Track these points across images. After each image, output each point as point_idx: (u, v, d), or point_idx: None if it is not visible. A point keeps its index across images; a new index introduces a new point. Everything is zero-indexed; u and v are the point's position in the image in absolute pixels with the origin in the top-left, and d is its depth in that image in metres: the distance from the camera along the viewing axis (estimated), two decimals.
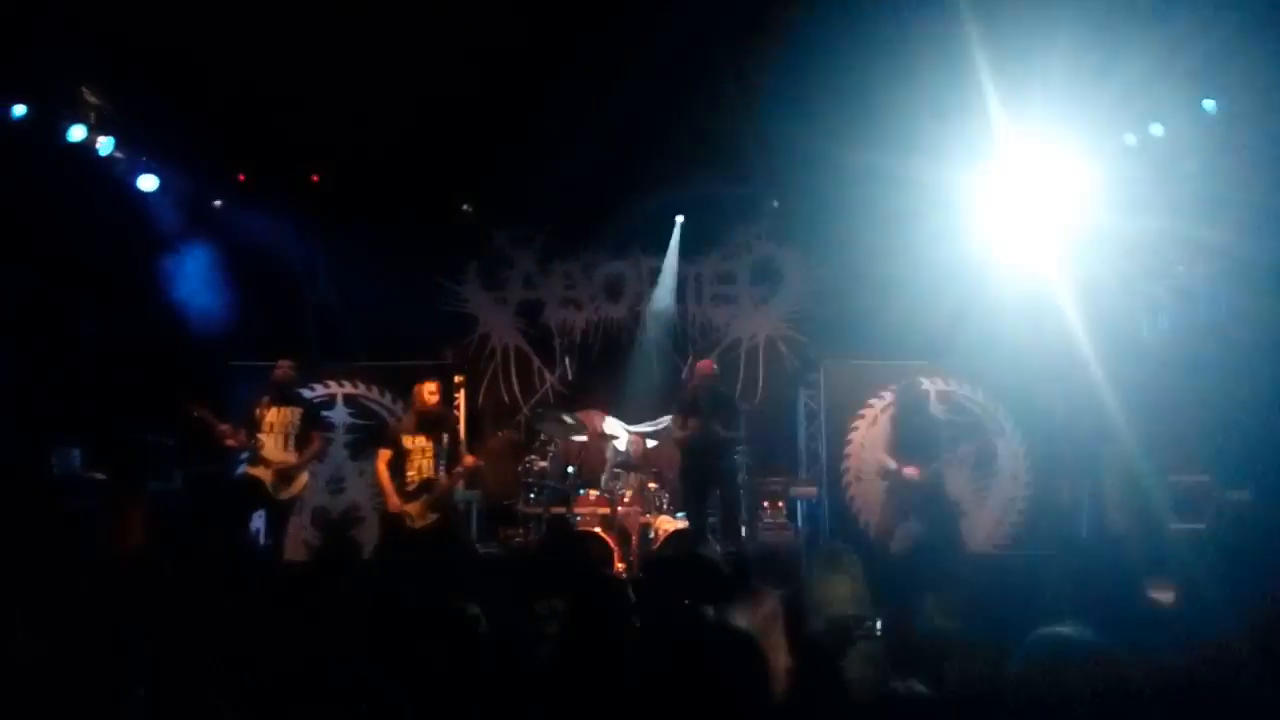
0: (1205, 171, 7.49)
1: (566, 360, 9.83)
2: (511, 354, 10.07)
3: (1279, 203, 7.09)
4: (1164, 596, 4.11)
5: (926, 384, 8.77)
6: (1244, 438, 7.39)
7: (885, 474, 7.50)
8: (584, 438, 9.12)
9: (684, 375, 9.20)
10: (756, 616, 3.64)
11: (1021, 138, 8.22)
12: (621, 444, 8.86)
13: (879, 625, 3.45)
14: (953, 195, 8.88)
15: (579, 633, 3.10)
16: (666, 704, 1.86)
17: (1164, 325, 8.31)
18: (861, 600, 3.46)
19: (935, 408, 8.21)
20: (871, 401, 9.01)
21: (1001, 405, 8.91)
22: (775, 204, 9.89)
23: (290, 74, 7.78)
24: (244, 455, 7.06)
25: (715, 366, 8.22)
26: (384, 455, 6.70)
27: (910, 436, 7.32)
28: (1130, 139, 8.14)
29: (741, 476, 8.63)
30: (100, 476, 7.35)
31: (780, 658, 3.14)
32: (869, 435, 8.91)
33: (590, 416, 9.39)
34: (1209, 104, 7.58)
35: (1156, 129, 7.95)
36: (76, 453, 7.40)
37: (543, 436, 8.85)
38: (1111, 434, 8.25)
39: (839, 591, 3.40)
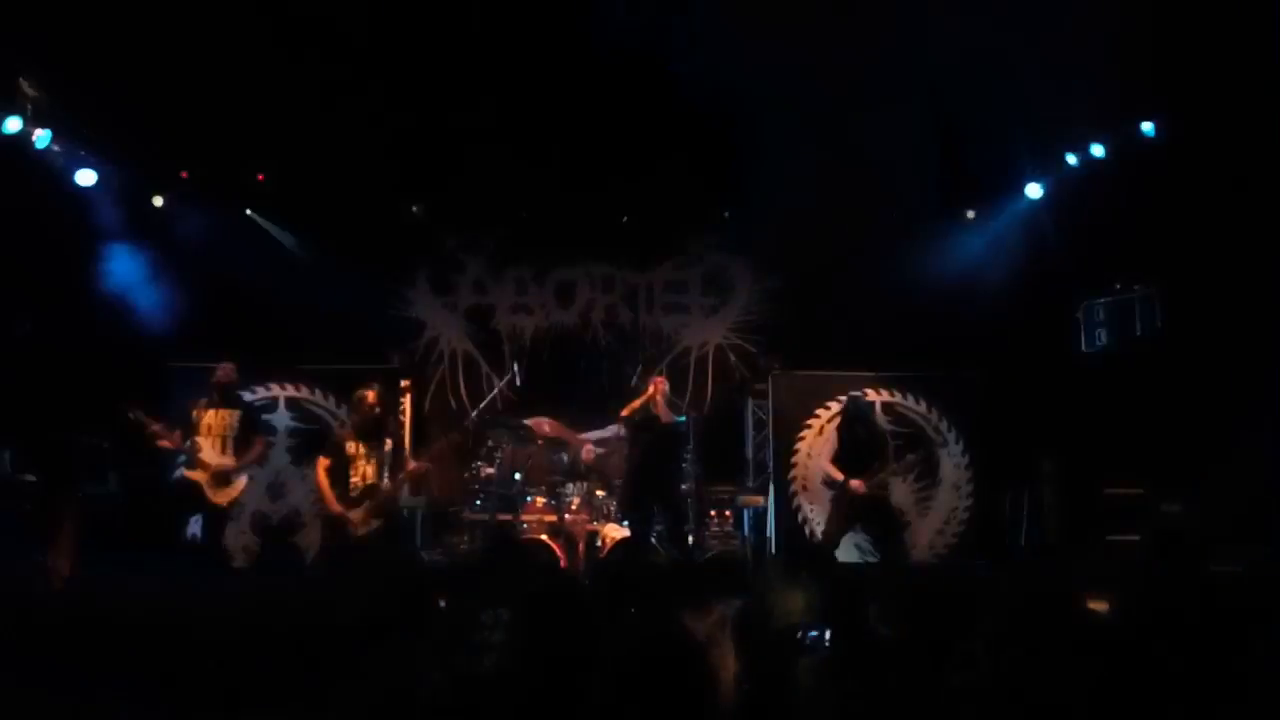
0: (1142, 191, 7.69)
1: (516, 366, 9.76)
2: (460, 359, 9.98)
3: (1211, 221, 7.30)
4: (1100, 607, 4.19)
5: (872, 395, 8.92)
6: (1177, 451, 7.59)
7: (831, 484, 7.60)
8: (532, 444, 9.07)
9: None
10: (705, 625, 3.64)
11: (966, 154, 8.40)
12: (581, 454, 8.82)
13: (827, 635, 3.48)
14: (900, 209, 9.03)
15: (530, 639, 3.07)
16: (614, 711, 1.86)
17: (1101, 340, 8.51)
18: (815, 612, 3.49)
19: (880, 420, 8.31)
20: (819, 411, 9.10)
21: (945, 417, 9.06)
22: (726, 214, 9.95)
23: (237, 69, 7.66)
24: (181, 458, 6.89)
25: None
26: (323, 463, 6.58)
27: (855, 448, 7.43)
28: (1072, 158, 8.35)
29: (689, 485, 8.65)
30: (31, 479, 7.13)
31: (729, 666, 3.14)
32: (816, 445, 9.00)
33: (539, 423, 9.34)
34: (1147, 126, 7.80)
35: (1097, 149, 8.16)
36: (7, 454, 7.17)
37: (490, 443, 8.78)
38: (1051, 446, 8.44)
39: (795, 604, 3.42)
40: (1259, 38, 6.47)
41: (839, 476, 7.39)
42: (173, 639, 3.26)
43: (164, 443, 6.74)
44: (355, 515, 6.47)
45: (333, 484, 6.50)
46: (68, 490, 7.27)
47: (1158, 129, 7.75)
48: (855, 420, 7.65)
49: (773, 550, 8.95)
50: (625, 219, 9.85)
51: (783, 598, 3.42)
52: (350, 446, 6.57)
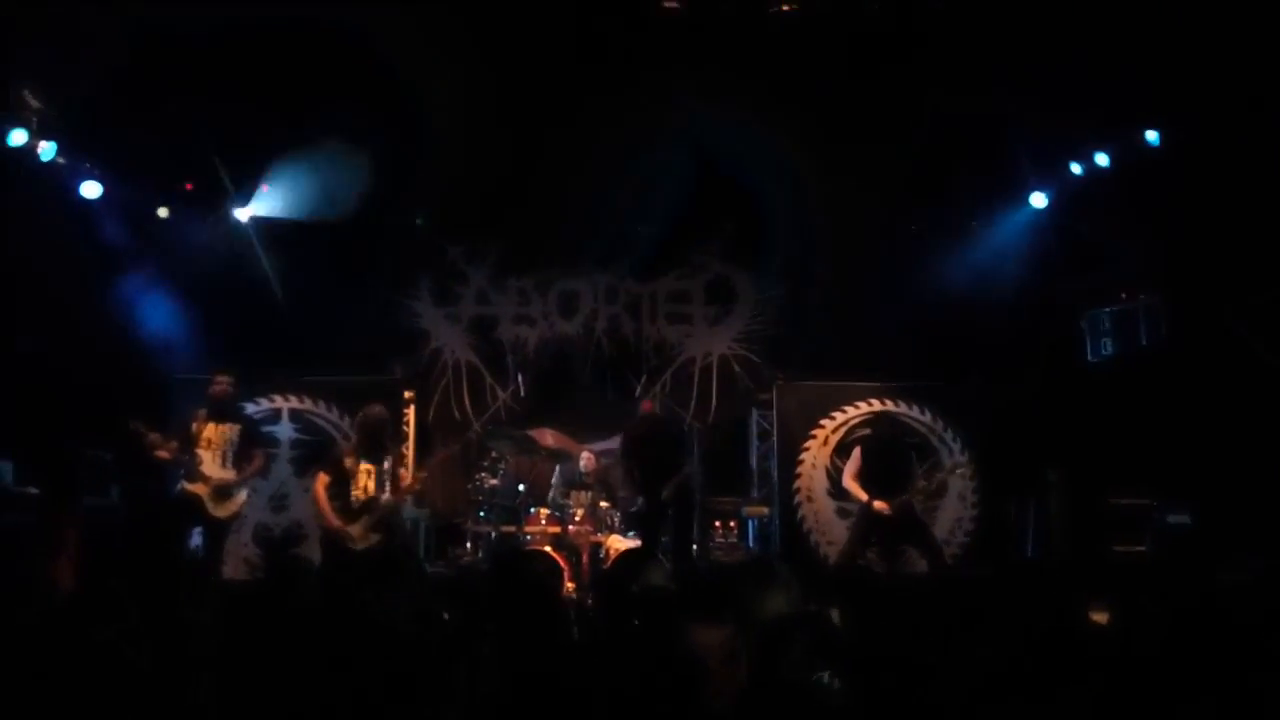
0: (1147, 200, 7.67)
1: (519, 377, 9.76)
2: (463, 370, 9.97)
3: (1216, 230, 7.28)
4: (1104, 618, 4.15)
5: (876, 405, 8.91)
6: (1183, 461, 7.55)
7: (856, 506, 7.48)
8: (536, 456, 9.05)
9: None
10: (706, 636, 3.62)
11: (968, 165, 8.39)
12: (579, 462, 8.78)
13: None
14: (903, 219, 9.03)
15: (512, 653, 3.05)
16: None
17: (1107, 350, 8.47)
18: (797, 607, 3.48)
19: (905, 443, 8.13)
20: (823, 422, 9.07)
21: (950, 426, 9.02)
22: (729, 225, 9.94)
23: (239, 81, 7.68)
24: (181, 471, 6.84)
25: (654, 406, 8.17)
26: (322, 478, 6.53)
27: (882, 470, 7.31)
28: (1076, 168, 8.33)
29: (694, 496, 8.63)
30: (34, 491, 7.11)
31: (732, 677, 3.12)
32: (821, 455, 8.97)
33: (542, 434, 9.32)
34: (1151, 134, 7.78)
35: (1101, 158, 8.14)
36: (9, 467, 7.15)
37: (494, 454, 8.75)
38: (1056, 456, 8.40)
39: (776, 605, 3.40)
40: (1262, 44, 6.45)
41: (863, 497, 7.24)
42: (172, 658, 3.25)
43: (161, 453, 6.69)
44: (354, 530, 6.44)
45: (332, 499, 6.46)
46: (70, 502, 7.25)
47: (1162, 137, 7.73)
48: (884, 442, 7.54)
49: (756, 557, 8.89)
50: (638, 230, 9.83)
51: (770, 603, 3.40)
52: (349, 461, 6.55)
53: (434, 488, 8.75)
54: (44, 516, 6.93)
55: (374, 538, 6.46)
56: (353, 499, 6.46)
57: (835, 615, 3.49)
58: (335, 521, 6.41)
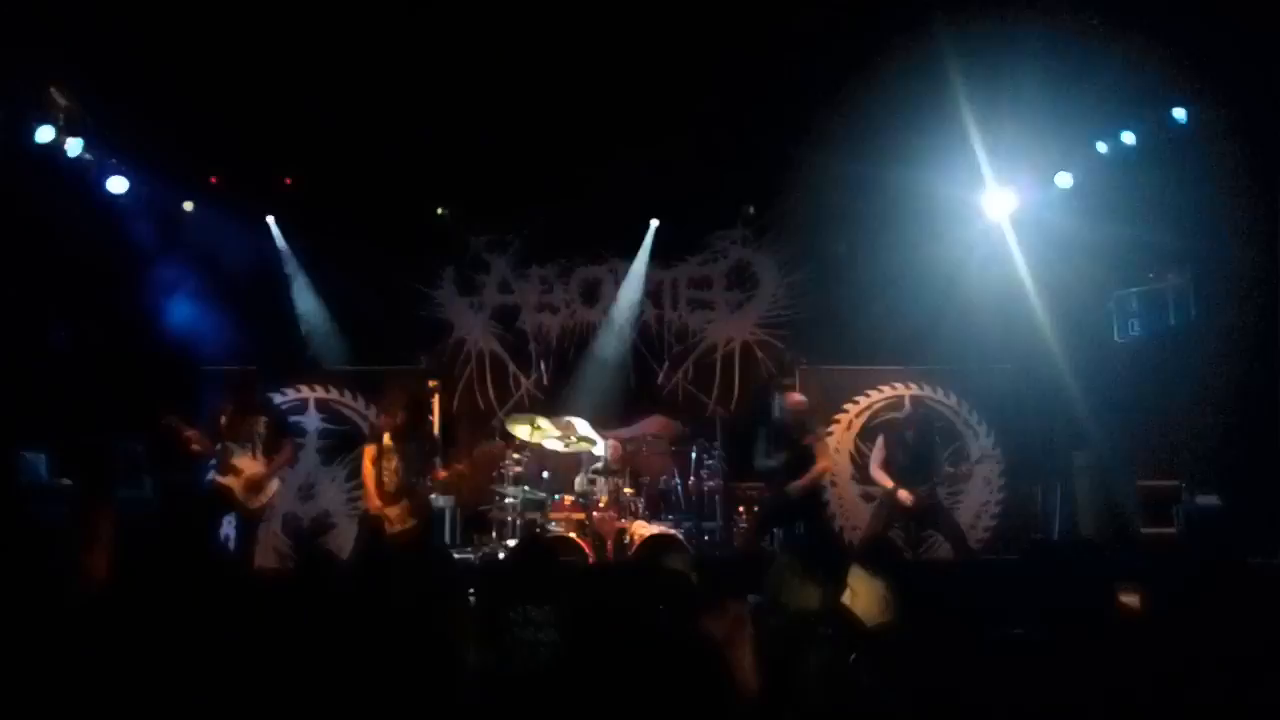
0: (1175, 179, 7.58)
1: (542, 365, 9.80)
2: (487, 359, 10.02)
3: (1246, 210, 7.18)
4: (1132, 601, 4.14)
5: (900, 389, 8.87)
6: (1212, 443, 7.48)
7: (881, 493, 7.47)
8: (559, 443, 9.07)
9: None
10: (723, 623, 3.63)
11: (994, 144, 8.30)
12: (598, 449, 8.79)
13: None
14: (927, 201, 8.96)
15: (578, 635, 3.07)
16: (626, 709, 1.86)
17: (1134, 331, 8.39)
18: (829, 606, 3.48)
19: (933, 429, 8.07)
20: (846, 406, 9.05)
21: (975, 410, 8.97)
22: (750, 210, 9.90)
23: (264, 75, 7.74)
24: (212, 462, 6.94)
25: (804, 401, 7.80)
26: (369, 452, 6.59)
27: (909, 460, 7.31)
28: (1102, 147, 8.23)
29: (717, 482, 8.64)
30: (68, 484, 7.23)
31: (746, 665, 3.13)
32: (845, 440, 8.96)
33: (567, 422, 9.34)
34: (1179, 112, 7.67)
35: (1128, 137, 8.04)
36: (43, 459, 7.28)
37: (518, 442, 8.79)
38: (1083, 438, 8.34)
39: (809, 599, 3.40)
40: None
41: (888, 484, 7.26)
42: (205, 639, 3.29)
43: (195, 447, 6.79)
44: (392, 512, 6.49)
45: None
46: (104, 495, 7.36)
47: (1189, 115, 7.62)
48: (913, 431, 7.52)
49: (792, 548, 8.88)
50: (658, 223, 9.82)
51: (795, 593, 3.40)
52: (389, 441, 6.60)
53: (465, 479, 8.80)
54: (78, 509, 7.03)
55: (411, 522, 6.52)
56: (385, 480, 6.51)
57: (848, 595, 3.48)
58: (377, 502, 6.47)
